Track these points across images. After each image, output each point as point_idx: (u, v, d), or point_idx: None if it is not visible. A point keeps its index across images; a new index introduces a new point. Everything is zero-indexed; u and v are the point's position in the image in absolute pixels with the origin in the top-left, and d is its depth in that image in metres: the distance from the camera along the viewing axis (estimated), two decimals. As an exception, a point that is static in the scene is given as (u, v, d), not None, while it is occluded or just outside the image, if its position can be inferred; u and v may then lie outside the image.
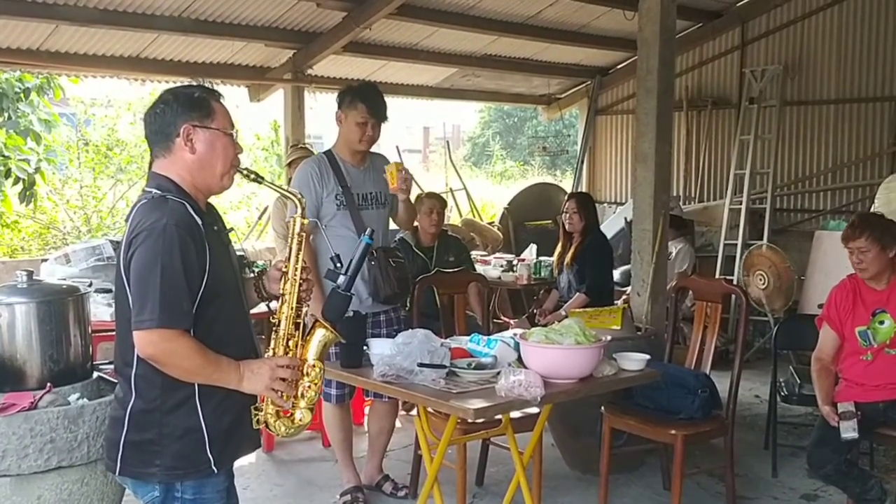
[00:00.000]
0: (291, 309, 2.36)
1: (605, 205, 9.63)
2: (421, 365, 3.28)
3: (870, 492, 3.80)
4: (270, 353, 2.33)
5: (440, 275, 4.38)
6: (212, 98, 2.32)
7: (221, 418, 2.25)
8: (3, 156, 7.86)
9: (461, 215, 9.07)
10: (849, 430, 3.64)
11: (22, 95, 8.12)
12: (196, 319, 2.17)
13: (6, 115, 8.30)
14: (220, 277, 2.24)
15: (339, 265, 2.81)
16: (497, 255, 6.97)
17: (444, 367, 3.33)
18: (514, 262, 6.63)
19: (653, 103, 4.96)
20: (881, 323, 3.91)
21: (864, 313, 3.92)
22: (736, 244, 7.85)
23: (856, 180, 8.01)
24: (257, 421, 2.29)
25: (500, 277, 6.41)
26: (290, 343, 2.35)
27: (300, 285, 2.37)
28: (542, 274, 6.40)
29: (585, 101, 9.85)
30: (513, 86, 9.60)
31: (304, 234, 2.39)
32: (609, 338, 3.42)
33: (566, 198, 5.94)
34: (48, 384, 2.85)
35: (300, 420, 2.36)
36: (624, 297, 6.23)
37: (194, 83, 2.46)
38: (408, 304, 5.78)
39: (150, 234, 2.13)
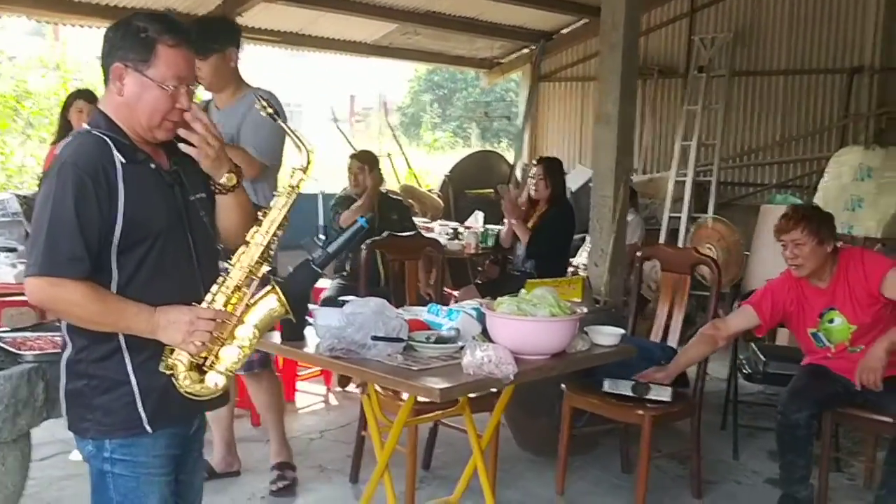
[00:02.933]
0: (252, 260, 2.09)
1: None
2: (375, 338, 2.88)
3: (804, 476, 3.57)
4: (205, 303, 2.06)
5: (392, 239, 3.98)
6: (161, 41, 2.03)
7: (154, 374, 2.03)
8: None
9: (399, 181, 8.65)
10: (661, 393, 3.58)
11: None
12: (119, 268, 2.01)
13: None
14: (143, 222, 2.02)
15: (319, 237, 2.45)
16: (441, 221, 6.59)
17: (402, 340, 2.94)
18: (460, 229, 6.26)
19: (617, 60, 4.64)
20: (831, 321, 3.67)
21: (812, 315, 3.67)
22: (680, 217, 7.64)
23: (804, 154, 7.87)
24: (165, 365, 2.02)
25: (445, 246, 6.03)
26: (235, 297, 2.08)
27: (271, 238, 2.12)
28: (489, 243, 6.06)
29: (528, 67, 9.50)
30: (455, 47, 9.19)
31: (296, 190, 2.13)
32: (585, 310, 3.09)
33: (534, 162, 5.59)
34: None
35: (212, 385, 2.07)
36: (571, 269, 5.95)
37: (158, 14, 2.11)
38: (346, 269, 5.39)
39: (48, 175, 2.00)
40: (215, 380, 2.07)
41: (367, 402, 3.23)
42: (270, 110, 2.15)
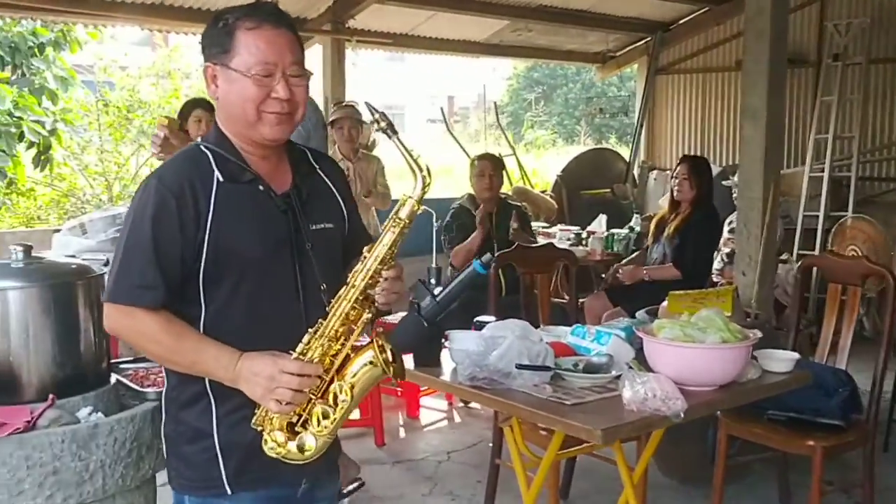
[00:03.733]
0: (350, 304, 1.77)
1: (668, 172, 8.84)
2: (520, 367, 2.60)
3: None
4: (296, 352, 1.75)
5: (522, 250, 3.68)
6: (240, 26, 1.79)
7: (240, 426, 1.78)
8: (15, 116, 7.20)
9: (511, 183, 8.33)
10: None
11: (36, 50, 7.45)
12: (207, 301, 1.79)
13: (19, 71, 7.64)
14: (234, 249, 1.78)
15: (431, 281, 2.11)
16: (561, 226, 6.24)
17: (549, 368, 2.65)
18: (584, 234, 5.91)
19: (764, 49, 4.22)
20: None
21: None
22: (817, 216, 7.09)
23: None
24: (256, 419, 1.75)
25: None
26: (334, 347, 1.77)
27: (371, 279, 1.79)
28: (615, 248, 5.68)
29: (645, 59, 9.04)
30: (566, 42, 8.83)
31: (406, 223, 1.79)
32: (758, 334, 2.72)
33: (678, 161, 5.20)
34: (50, 395, 2.18)
35: (299, 448, 1.75)
36: (714, 278, 5.52)
37: (247, 3, 1.87)
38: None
39: (137, 192, 1.83)
40: (305, 442, 1.75)
41: (510, 434, 2.94)
42: (384, 124, 1.80)
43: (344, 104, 5.45)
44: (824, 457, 3.18)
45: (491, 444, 4.43)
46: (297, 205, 1.86)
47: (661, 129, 9.11)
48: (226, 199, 1.77)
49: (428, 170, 1.78)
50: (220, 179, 1.78)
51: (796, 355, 2.88)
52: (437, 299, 1.84)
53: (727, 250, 5.91)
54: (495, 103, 11.40)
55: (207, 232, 1.74)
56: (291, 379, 1.70)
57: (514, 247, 3.71)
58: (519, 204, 5.46)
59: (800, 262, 3.67)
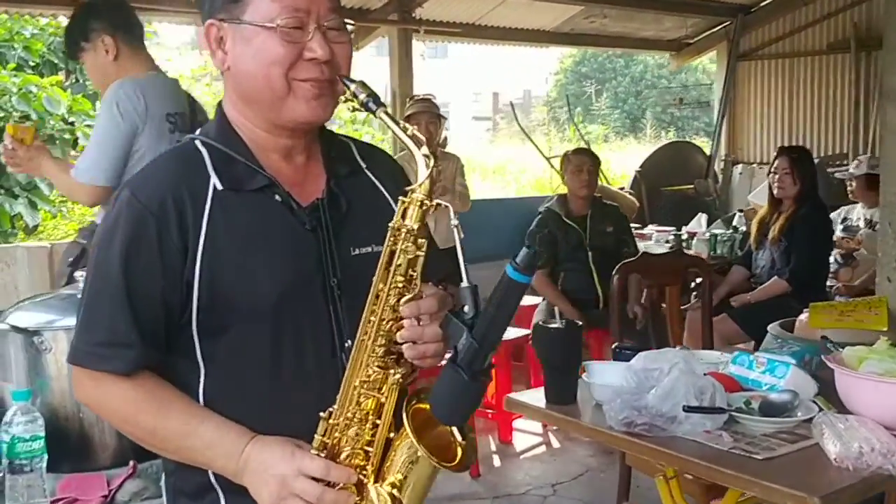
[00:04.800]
0: (366, 366, 1.26)
1: (755, 166, 8.27)
2: (689, 409, 2.11)
3: None
4: (314, 447, 1.26)
5: (647, 259, 3.19)
6: None
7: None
8: (69, 123, 6.88)
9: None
10: None
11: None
12: (205, 359, 1.31)
13: (73, 76, 7.34)
14: (238, 289, 1.29)
15: (465, 310, 1.26)
16: (654, 227, 5.72)
17: (723, 410, 2.16)
18: (684, 235, 5.39)
19: (911, 21, 3.65)
20: None
21: None
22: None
23: None
24: None
25: (667, 256, 5.18)
26: (361, 434, 1.27)
27: (388, 325, 1.26)
28: (720, 251, 5.16)
29: (724, 45, 8.46)
30: (641, 29, 8.29)
31: (416, 230, 1.25)
32: (985, 365, 2.21)
33: (776, 154, 4.69)
34: (130, 462, 1.76)
35: None
36: (838, 285, 4.97)
37: None
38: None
39: (105, 211, 1.35)
40: None
41: (664, 486, 2.46)
42: (364, 96, 1.30)
43: (420, 98, 5.00)
44: None
45: (602, 474, 3.98)
46: (328, 220, 1.36)
47: (744, 120, 8.51)
48: (226, 215, 1.30)
49: (434, 153, 1.26)
50: (219, 187, 1.31)
51: None
52: (475, 337, 1.23)
53: (841, 251, 5.37)
54: (512, 104, 10.83)
55: (198, 264, 1.27)
56: (309, 487, 1.23)
57: (639, 255, 3.21)
58: (615, 205, 4.96)
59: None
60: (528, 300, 5.08)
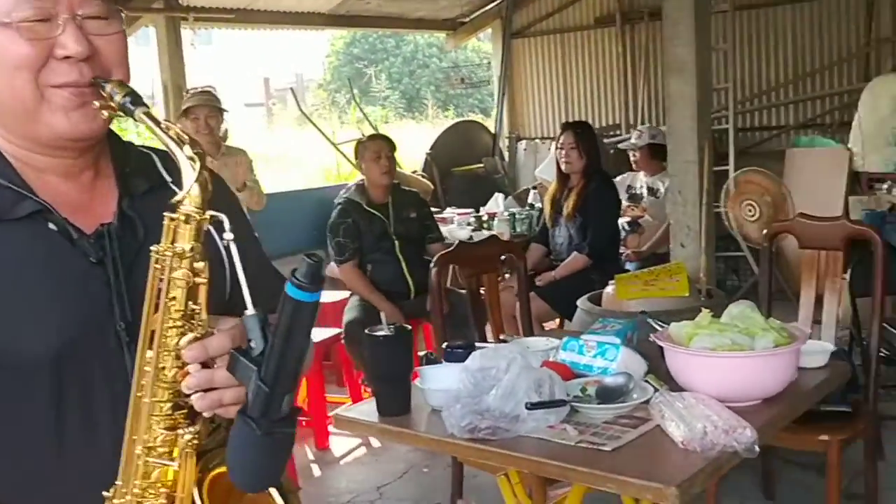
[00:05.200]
0: (153, 425, 1.03)
1: (538, 141, 8.45)
2: (532, 406, 2.01)
3: None
4: None
5: (463, 248, 3.07)
6: None
7: None
8: None
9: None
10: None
11: None
12: None
13: None
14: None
15: (252, 346, 1.01)
16: (457, 210, 5.66)
17: (564, 402, 2.08)
18: (484, 217, 5.35)
19: (688, -6, 3.77)
20: None
21: None
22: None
23: (823, 89, 7.14)
24: None
25: (471, 238, 5.12)
26: None
27: (168, 373, 1.02)
28: (519, 229, 5.17)
29: (499, 23, 8.56)
30: (416, 9, 8.21)
31: (190, 253, 1.01)
32: (807, 331, 2.26)
33: (560, 129, 4.73)
34: None
35: None
36: (627, 252, 5.12)
37: None
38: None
39: None
40: None
41: (507, 486, 2.35)
42: (122, 96, 1.05)
43: (199, 90, 4.63)
44: (841, 451, 2.78)
45: (426, 469, 3.87)
46: (115, 249, 1.10)
47: (523, 97, 8.68)
48: None
49: (199, 154, 1.02)
50: None
51: (831, 346, 2.44)
52: (264, 380, 0.97)
53: (627, 218, 5.56)
54: (292, 89, 10.53)
55: None
56: None
57: (456, 245, 3.08)
58: (413, 190, 4.84)
59: (765, 231, 3.26)
60: (335, 295, 4.87)
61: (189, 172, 1.00)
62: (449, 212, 5.64)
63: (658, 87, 7.77)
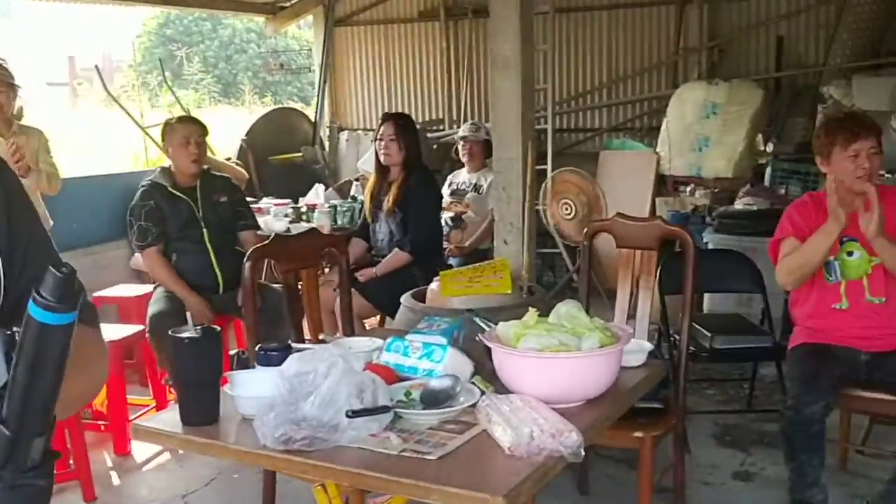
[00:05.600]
0: None
1: (360, 132, 8.29)
2: (353, 413, 1.87)
3: (817, 477, 3.01)
4: None
5: (280, 242, 2.87)
6: None
7: None
8: None
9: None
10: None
11: None
12: None
13: None
14: None
15: None
16: (275, 200, 5.40)
17: (387, 409, 1.95)
18: (303, 208, 5.13)
19: (514, -10, 3.75)
20: (850, 254, 3.15)
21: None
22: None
23: (634, 94, 7.42)
24: None
25: (288, 230, 4.89)
26: None
27: None
28: (340, 222, 5.00)
29: (321, 10, 8.34)
30: (235, -10, 7.87)
31: None
32: (630, 330, 2.24)
33: (380, 120, 4.59)
34: None
35: None
36: (450, 247, 5.07)
37: None
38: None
39: None
40: None
41: (323, 496, 2.20)
42: None
43: None
44: (654, 447, 2.83)
45: (235, 476, 3.65)
46: None
47: (345, 87, 8.50)
48: None
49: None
50: None
51: (649, 345, 2.46)
52: (4, 420, 0.80)
53: (451, 214, 5.53)
54: (97, 67, 9.81)
55: None
56: None
57: (273, 238, 2.88)
58: (225, 175, 4.56)
59: (584, 229, 3.27)
60: (139, 289, 4.52)
61: None
62: (265, 202, 5.39)
63: (481, 84, 7.83)
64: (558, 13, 7.31)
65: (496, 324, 2.21)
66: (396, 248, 4.45)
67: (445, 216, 5.32)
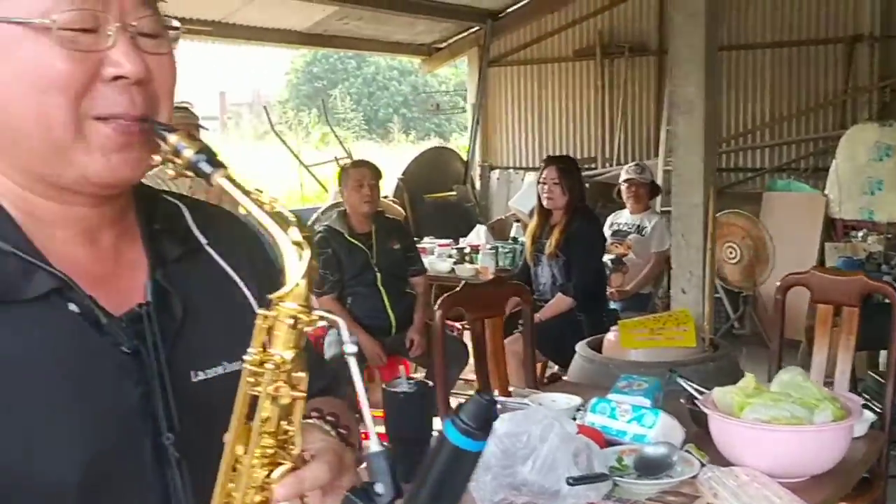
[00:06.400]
0: None
1: (511, 171, 8.31)
2: (574, 481, 1.82)
3: None
4: None
5: (469, 290, 2.87)
6: None
7: None
8: None
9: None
10: None
11: None
12: None
13: None
14: (9, 475, 0.78)
15: (379, 491, 0.79)
16: (438, 241, 5.46)
17: (606, 476, 1.90)
18: (466, 249, 5.15)
19: (699, 31, 3.67)
20: None
21: None
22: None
23: (799, 134, 7.13)
24: None
25: (452, 271, 4.92)
26: None
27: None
28: (502, 263, 4.98)
29: (476, 51, 8.43)
30: (393, 32, 8.05)
31: (297, 360, 0.78)
32: (859, 401, 2.11)
33: (543, 163, 4.57)
34: None
35: None
36: (611, 290, 4.96)
37: None
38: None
39: None
40: None
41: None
42: (192, 152, 0.82)
43: (175, 106, 4.37)
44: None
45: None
46: (157, 337, 0.87)
47: (497, 125, 8.55)
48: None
49: (307, 238, 0.79)
50: None
51: (871, 415, 2.31)
52: None
53: (611, 256, 5.43)
54: (265, 107, 10.17)
55: None
56: None
57: (462, 285, 2.87)
58: (398, 219, 4.64)
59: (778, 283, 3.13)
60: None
61: (294, 262, 0.78)
62: (427, 241, 5.44)
63: (636, 123, 7.73)
64: (720, 51, 7.13)
65: (690, 382, 2.13)
66: (560, 293, 4.39)
67: (606, 258, 5.24)
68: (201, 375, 0.90)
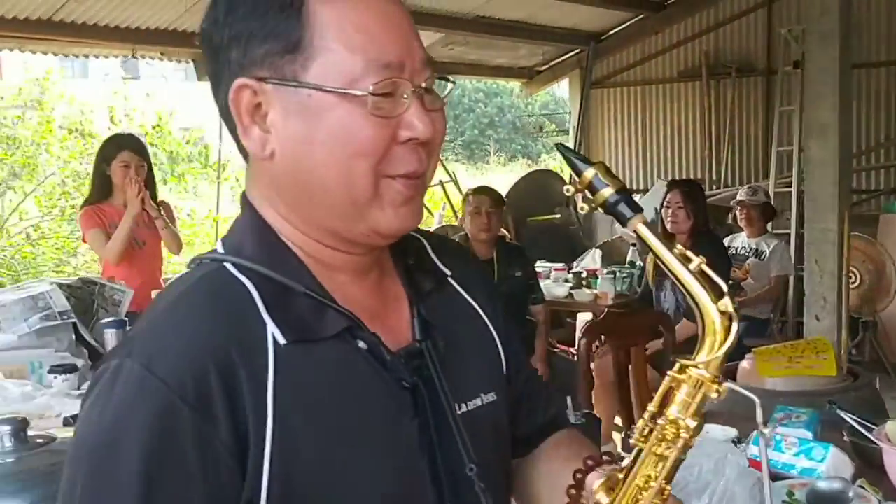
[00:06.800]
0: None
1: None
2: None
3: None
4: None
5: (613, 318, 2.87)
6: None
7: None
8: None
9: (456, 214, 7.51)
10: None
11: None
12: None
13: None
14: (329, 494, 0.83)
15: None
16: (553, 266, 5.46)
17: (783, 513, 1.86)
18: (583, 274, 5.14)
19: (833, 53, 3.60)
20: None
21: None
22: (787, 233, 6.62)
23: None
24: None
25: (570, 296, 4.91)
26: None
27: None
28: (619, 288, 4.95)
29: (578, 73, 8.44)
30: (496, 56, 8.12)
31: (697, 429, 0.82)
32: None
33: (667, 187, 4.53)
34: None
35: None
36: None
37: None
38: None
39: (89, 394, 0.81)
40: None
41: None
42: (610, 192, 0.85)
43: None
44: None
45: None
46: (439, 371, 0.91)
47: (599, 147, 8.52)
48: (295, 384, 0.82)
49: (737, 311, 0.82)
50: (281, 341, 0.83)
51: None
52: None
53: (730, 281, 5.34)
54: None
55: (266, 472, 0.79)
56: None
57: (605, 313, 2.87)
58: (520, 245, 4.66)
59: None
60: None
61: (718, 333, 0.81)
62: (542, 266, 5.43)
63: (743, 144, 7.60)
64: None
65: (886, 423, 2.06)
66: (684, 319, 4.33)
67: (726, 282, 5.16)
68: (464, 407, 0.94)
